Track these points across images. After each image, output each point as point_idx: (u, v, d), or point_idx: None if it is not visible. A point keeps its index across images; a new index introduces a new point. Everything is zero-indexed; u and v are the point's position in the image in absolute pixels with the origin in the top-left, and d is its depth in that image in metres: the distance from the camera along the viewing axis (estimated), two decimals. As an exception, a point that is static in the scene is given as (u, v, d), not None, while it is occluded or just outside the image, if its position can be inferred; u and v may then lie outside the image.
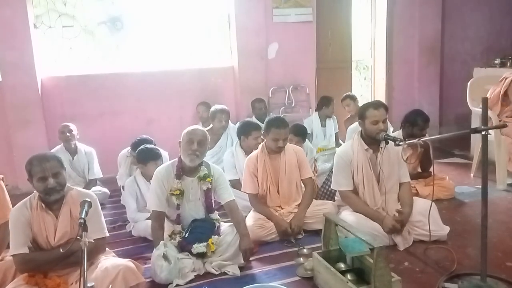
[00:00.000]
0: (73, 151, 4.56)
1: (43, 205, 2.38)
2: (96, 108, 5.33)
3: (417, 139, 2.87)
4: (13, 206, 2.73)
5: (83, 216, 2.06)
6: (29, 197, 2.44)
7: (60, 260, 2.32)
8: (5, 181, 2.78)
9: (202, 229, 2.94)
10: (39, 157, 2.39)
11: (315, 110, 5.54)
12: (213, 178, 3.02)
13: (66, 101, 5.25)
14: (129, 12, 5.48)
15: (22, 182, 4.93)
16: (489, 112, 4.20)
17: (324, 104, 5.42)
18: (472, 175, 4.71)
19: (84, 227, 2.00)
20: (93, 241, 2.30)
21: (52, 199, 2.36)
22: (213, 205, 3.09)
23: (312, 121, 5.39)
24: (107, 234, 2.53)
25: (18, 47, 4.89)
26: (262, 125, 4.75)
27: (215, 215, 3.10)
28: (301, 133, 4.29)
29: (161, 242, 2.78)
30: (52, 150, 4.48)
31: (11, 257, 2.48)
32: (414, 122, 3.95)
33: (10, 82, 4.91)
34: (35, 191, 2.43)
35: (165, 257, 2.65)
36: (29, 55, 4.95)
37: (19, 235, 2.33)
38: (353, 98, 5.42)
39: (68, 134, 4.48)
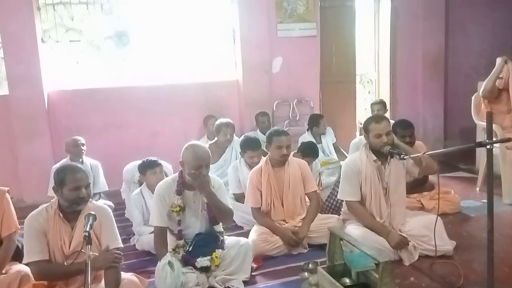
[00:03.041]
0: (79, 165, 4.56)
1: (61, 214, 2.40)
2: (101, 121, 5.37)
3: (422, 153, 2.88)
4: (18, 219, 2.75)
5: (87, 229, 2.07)
6: (45, 206, 2.45)
7: (76, 274, 2.31)
8: (10, 194, 2.79)
9: (206, 243, 2.92)
10: (73, 167, 2.45)
11: (307, 130, 5.42)
12: (214, 189, 3.00)
13: (71, 114, 5.29)
14: (135, 27, 5.55)
15: (27, 195, 4.96)
16: (494, 126, 4.19)
17: (314, 124, 5.32)
18: (477, 189, 4.69)
19: (88, 240, 2.01)
20: (97, 254, 2.31)
21: (78, 209, 2.39)
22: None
23: (305, 139, 5.18)
24: (122, 245, 2.53)
25: (26, 60, 4.95)
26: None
27: (219, 227, 3.08)
28: (311, 153, 4.25)
29: (167, 253, 2.79)
30: (58, 164, 4.47)
31: (16, 270, 2.49)
32: (394, 132, 3.89)
33: (17, 95, 4.95)
34: (53, 200, 2.45)
35: (170, 265, 2.65)
36: (37, 69, 5.02)
37: (33, 242, 2.34)
38: (385, 106, 5.39)
39: (82, 147, 4.48)
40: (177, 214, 2.91)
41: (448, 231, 3.22)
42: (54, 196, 2.46)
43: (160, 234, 2.92)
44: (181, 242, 2.96)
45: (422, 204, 3.89)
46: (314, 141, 5.17)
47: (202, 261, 2.81)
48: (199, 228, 3.00)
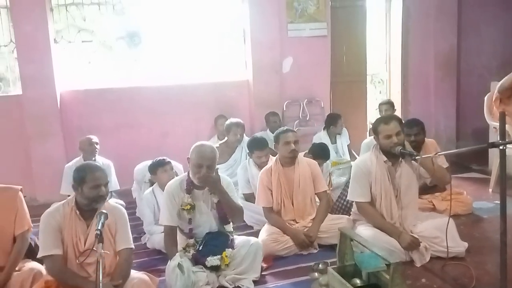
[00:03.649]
0: (95, 163, 4.59)
1: (77, 212, 2.43)
2: (113, 121, 5.41)
3: (434, 153, 2.85)
4: (31, 217, 2.78)
5: (99, 228, 2.09)
6: (61, 203, 2.50)
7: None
8: (23, 192, 2.82)
9: (216, 242, 2.93)
10: (92, 166, 2.50)
11: (323, 129, 5.38)
12: None
13: (83, 114, 5.34)
14: (147, 28, 5.59)
15: (39, 193, 5.03)
16: (507, 126, 4.13)
17: (331, 123, 5.26)
18: (490, 190, 4.63)
19: (100, 238, 2.02)
20: (108, 252, 2.33)
21: (97, 207, 2.42)
22: (227, 216, 3.06)
23: (320, 139, 5.18)
24: (133, 246, 2.56)
25: (39, 61, 5.02)
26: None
27: (229, 227, 3.08)
28: (322, 154, 4.23)
29: (177, 253, 2.80)
30: (71, 163, 4.54)
31: (29, 267, 2.52)
32: None
33: (30, 95, 5.02)
34: (69, 198, 2.48)
35: (180, 267, 2.66)
36: (49, 69, 5.08)
37: (49, 237, 2.38)
38: (393, 106, 5.33)
39: (96, 146, 4.53)
40: (187, 212, 2.93)
41: (460, 232, 3.18)
42: (67, 195, 2.49)
43: (170, 233, 2.93)
44: (192, 241, 2.97)
45: (434, 205, 3.85)
46: (329, 141, 5.19)
47: (212, 260, 2.82)
48: (209, 227, 3.01)
